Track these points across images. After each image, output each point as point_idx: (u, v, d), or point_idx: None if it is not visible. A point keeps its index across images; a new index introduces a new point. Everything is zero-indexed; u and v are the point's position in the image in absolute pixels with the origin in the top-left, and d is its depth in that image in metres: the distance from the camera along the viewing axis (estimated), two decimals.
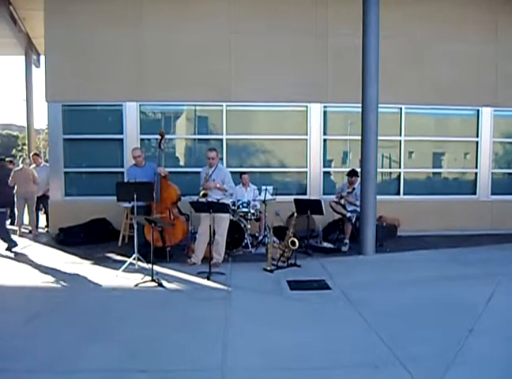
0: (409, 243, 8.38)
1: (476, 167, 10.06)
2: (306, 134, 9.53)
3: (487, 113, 9.90)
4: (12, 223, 10.25)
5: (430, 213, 9.54)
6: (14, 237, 8.81)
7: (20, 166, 9.05)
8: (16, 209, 9.31)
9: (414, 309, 4.69)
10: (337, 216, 8.44)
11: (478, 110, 9.91)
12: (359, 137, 7.63)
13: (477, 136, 9.98)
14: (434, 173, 10.24)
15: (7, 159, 11.67)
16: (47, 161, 10.98)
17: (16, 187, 8.89)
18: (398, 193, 9.90)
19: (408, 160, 9.98)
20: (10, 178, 8.88)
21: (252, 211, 7.87)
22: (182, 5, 9.07)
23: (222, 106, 9.33)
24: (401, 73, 9.33)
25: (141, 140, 9.29)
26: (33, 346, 3.75)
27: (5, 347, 3.73)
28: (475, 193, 10.09)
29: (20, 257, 7.18)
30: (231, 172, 7.11)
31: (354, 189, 8.04)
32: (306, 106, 9.48)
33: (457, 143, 10.14)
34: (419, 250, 7.81)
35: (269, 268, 6.32)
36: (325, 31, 9.28)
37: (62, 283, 5.69)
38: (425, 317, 4.45)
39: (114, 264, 6.52)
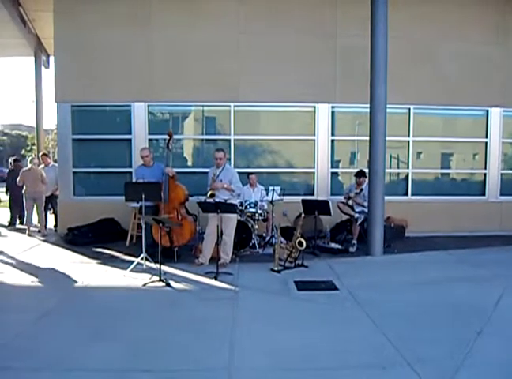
0: (417, 244, 8.34)
1: (485, 168, 10.00)
2: (314, 135, 9.52)
3: (496, 113, 9.83)
4: (21, 223, 10.34)
5: (438, 214, 9.49)
6: (23, 236, 8.93)
7: (29, 166, 9.12)
8: (25, 209, 9.38)
9: (422, 311, 4.67)
10: (345, 217, 8.42)
11: (487, 111, 9.86)
12: (367, 138, 7.60)
13: (486, 137, 9.92)
14: (442, 173, 10.19)
15: (12, 158, 11.82)
16: (55, 161, 11.06)
17: (24, 187, 8.98)
18: (406, 194, 9.86)
19: (417, 161, 9.94)
20: (18, 178, 8.99)
21: (259, 211, 7.87)
22: (190, 5, 9.09)
23: (230, 106, 9.34)
24: (410, 74, 9.30)
25: (149, 140, 9.33)
26: (38, 345, 3.77)
27: (11, 345, 3.76)
28: (484, 194, 10.03)
29: (28, 257, 7.23)
30: (239, 172, 7.11)
31: (362, 189, 8.00)
32: (314, 107, 9.47)
33: (466, 143, 10.09)
34: (427, 251, 7.76)
35: (276, 269, 6.31)
36: (334, 32, 9.27)
37: (70, 282, 5.72)
38: (433, 319, 4.42)
39: (122, 264, 6.55)
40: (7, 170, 11.66)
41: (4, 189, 11.31)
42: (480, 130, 9.97)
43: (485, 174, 10.02)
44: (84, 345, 3.77)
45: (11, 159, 11.43)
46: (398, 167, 10.03)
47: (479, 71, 9.60)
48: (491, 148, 9.93)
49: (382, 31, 7.27)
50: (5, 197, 11.42)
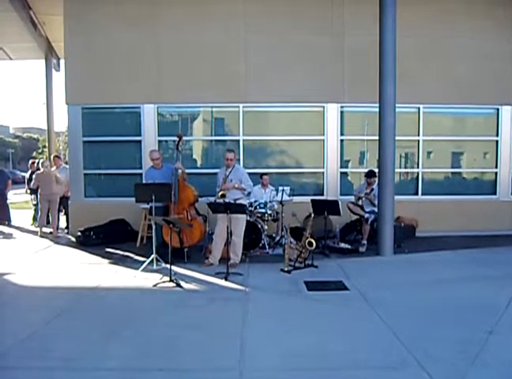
0: (428, 244, 8.29)
1: (496, 167, 9.90)
2: (323, 135, 9.50)
3: (507, 111, 9.74)
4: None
5: (449, 213, 9.41)
6: (35, 238, 9.03)
7: (42, 169, 9.21)
8: (39, 210, 9.49)
9: (432, 310, 4.65)
10: (355, 217, 8.39)
11: (498, 109, 9.76)
12: (377, 137, 7.58)
13: (497, 136, 9.83)
14: (453, 173, 10.11)
15: (31, 160, 12.03)
16: (66, 163, 11.17)
17: (39, 189, 9.09)
18: (416, 194, 9.81)
19: (427, 160, 9.88)
20: (33, 181, 9.11)
21: (269, 211, 7.87)
22: (197, 7, 9.12)
23: (238, 107, 9.36)
24: (419, 72, 9.25)
25: (159, 141, 9.39)
26: (51, 345, 3.81)
27: (24, 345, 3.80)
28: (495, 193, 9.94)
29: (40, 258, 7.31)
30: (249, 173, 7.13)
31: (372, 189, 7.98)
32: (323, 107, 9.45)
33: (477, 142, 10.00)
34: (437, 251, 7.72)
35: (286, 269, 6.32)
36: (342, 31, 9.25)
37: (81, 283, 5.77)
38: (444, 318, 4.41)
39: (133, 265, 6.61)
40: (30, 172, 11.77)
41: (18, 191, 11.50)
42: (490, 129, 9.88)
43: (496, 173, 9.93)
44: (97, 345, 3.81)
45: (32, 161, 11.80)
46: (408, 167, 9.98)
47: (489, 69, 9.51)
48: (502, 147, 9.83)
49: (391, 29, 7.23)
50: (18, 199, 11.59)
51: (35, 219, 10.81)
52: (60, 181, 9.28)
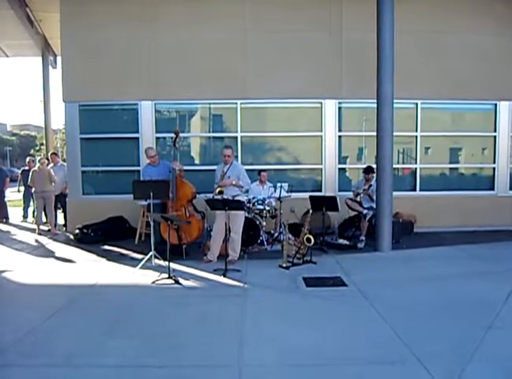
0: (426, 240, 8.30)
1: (494, 162, 9.91)
2: (321, 131, 9.49)
3: (504, 107, 9.74)
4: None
5: (447, 209, 9.43)
6: (33, 235, 9.01)
7: (37, 165, 9.19)
8: (35, 208, 9.48)
9: (431, 306, 4.66)
10: (353, 213, 8.39)
11: (495, 105, 9.76)
12: (375, 133, 7.57)
13: (495, 131, 9.84)
14: (451, 168, 10.12)
15: (29, 158, 12.05)
16: (64, 160, 11.16)
17: (33, 187, 9.07)
18: (414, 189, 9.81)
19: (425, 156, 9.88)
20: (29, 179, 9.09)
21: (267, 208, 7.87)
22: (196, 3, 9.09)
23: (236, 103, 9.34)
24: (417, 68, 9.24)
25: (157, 138, 9.37)
26: (51, 342, 3.81)
27: (24, 342, 3.80)
28: (493, 189, 9.95)
29: (38, 255, 7.30)
30: (246, 170, 7.11)
31: (371, 185, 7.98)
32: (321, 103, 9.44)
33: (475, 138, 10.00)
34: (436, 247, 7.73)
35: (284, 265, 6.32)
36: (340, 27, 9.22)
37: (80, 280, 5.77)
38: (442, 314, 4.41)
39: (132, 262, 6.60)
40: (22, 169, 12.00)
41: (15, 189, 11.52)
42: (488, 124, 9.88)
43: (494, 169, 9.94)
44: (97, 342, 3.81)
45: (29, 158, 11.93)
46: (406, 162, 9.97)
47: (487, 64, 9.49)
48: (499, 142, 9.83)
49: (389, 25, 7.21)
50: (15, 196, 11.58)
51: (24, 216, 11.29)
52: (54, 180, 9.24)
